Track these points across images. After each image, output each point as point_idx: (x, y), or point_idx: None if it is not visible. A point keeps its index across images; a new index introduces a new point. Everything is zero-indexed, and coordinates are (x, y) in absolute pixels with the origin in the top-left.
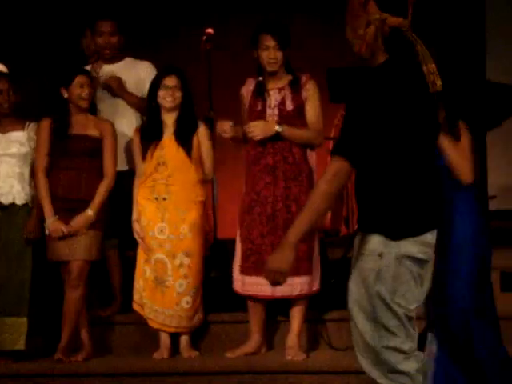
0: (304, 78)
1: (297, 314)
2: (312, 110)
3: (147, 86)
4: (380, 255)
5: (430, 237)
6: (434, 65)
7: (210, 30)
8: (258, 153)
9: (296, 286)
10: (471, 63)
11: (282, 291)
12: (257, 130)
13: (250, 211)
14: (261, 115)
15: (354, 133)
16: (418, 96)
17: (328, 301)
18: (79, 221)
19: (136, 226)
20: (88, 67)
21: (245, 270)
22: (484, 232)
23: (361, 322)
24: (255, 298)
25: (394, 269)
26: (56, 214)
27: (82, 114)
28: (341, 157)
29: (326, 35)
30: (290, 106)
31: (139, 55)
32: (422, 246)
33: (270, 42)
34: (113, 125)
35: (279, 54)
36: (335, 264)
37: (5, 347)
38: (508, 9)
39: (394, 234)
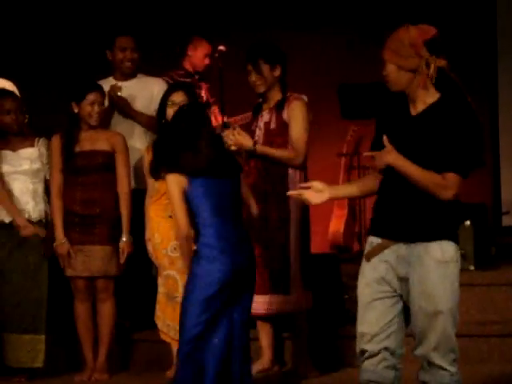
0: (290, 98)
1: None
2: (295, 130)
3: None
4: (457, 261)
5: None
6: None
7: (221, 48)
8: (245, 171)
9: (272, 304)
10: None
11: (258, 308)
12: (234, 140)
13: None
14: (252, 135)
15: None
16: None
17: (342, 316)
18: (123, 250)
19: (148, 246)
20: (104, 81)
21: None
22: None
23: (447, 320)
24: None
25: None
26: (73, 229)
27: (92, 129)
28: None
29: (338, 51)
30: (273, 124)
31: (149, 70)
32: None
33: (249, 67)
34: (124, 138)
35: (258, 78)
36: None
37: (23, 364)
38: None
39: (457, 237)
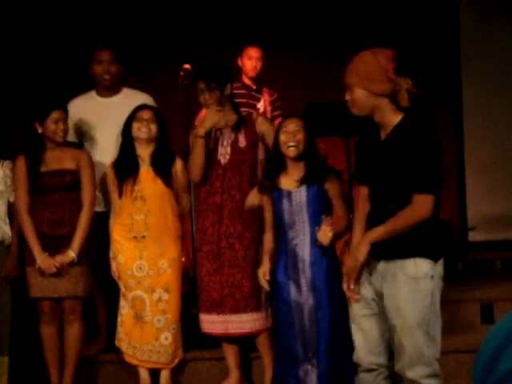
0: (254, 115)
1: (264, 351)
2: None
3: None
4: (432, 277)
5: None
6: None
7: (187, 66)
8: (206, 191)
9: (245, 323)
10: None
11: (233, 328)
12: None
13: (200, 249)
14: (212, 153)
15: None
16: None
17: None
18: (62, 262)
19: (112, 265)
20: (86, 95)
21: (199, 308)
22: None
23: (417, 335)
24: (218, 336)
25: (439, 288)
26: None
27: (57, 149)
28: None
29: (305, 65)
30: (243, 142)
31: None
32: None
33: (201, 85)
34: (89, 154)
35: (211, 96)
36: None
37: None
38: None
39: (437, 255)
